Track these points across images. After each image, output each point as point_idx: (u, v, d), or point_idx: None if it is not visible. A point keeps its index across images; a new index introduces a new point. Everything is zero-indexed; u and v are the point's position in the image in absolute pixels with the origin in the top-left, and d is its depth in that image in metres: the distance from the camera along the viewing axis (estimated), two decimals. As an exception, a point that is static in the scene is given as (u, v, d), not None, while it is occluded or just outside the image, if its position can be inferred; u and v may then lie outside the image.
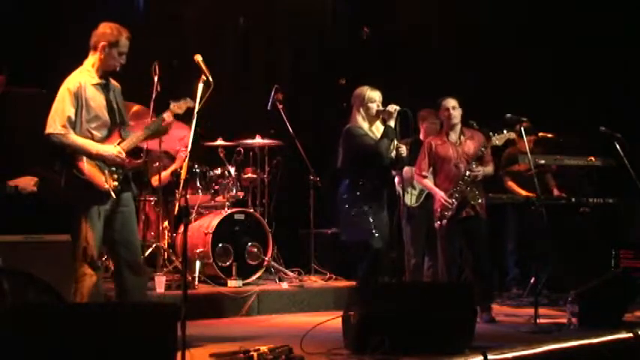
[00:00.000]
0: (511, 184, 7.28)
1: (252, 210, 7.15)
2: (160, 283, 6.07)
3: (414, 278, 6.53)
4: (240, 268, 6.67)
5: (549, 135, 7.14)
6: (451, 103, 5.99)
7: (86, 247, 4.39)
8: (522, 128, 6.00)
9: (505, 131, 5.94)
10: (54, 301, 4.03)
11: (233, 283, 6.51)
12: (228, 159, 7.37)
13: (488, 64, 7.99)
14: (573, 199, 6.93)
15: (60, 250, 4.89)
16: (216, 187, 7.10)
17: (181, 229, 5.23)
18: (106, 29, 4.52)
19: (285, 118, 7.44)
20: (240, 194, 7.26)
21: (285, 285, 6.76)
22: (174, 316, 3.56)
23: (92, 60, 4.56)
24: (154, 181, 6.91)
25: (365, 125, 5.58)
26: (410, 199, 6.58)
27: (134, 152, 4.69)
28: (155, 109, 5.61)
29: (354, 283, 6.12)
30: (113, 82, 4.67)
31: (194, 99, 4.38)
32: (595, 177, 7.06)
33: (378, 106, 5.58)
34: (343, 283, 7.01)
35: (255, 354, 4.15)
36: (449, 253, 5.92)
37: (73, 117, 4.42)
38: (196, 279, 6.49)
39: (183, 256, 4.07)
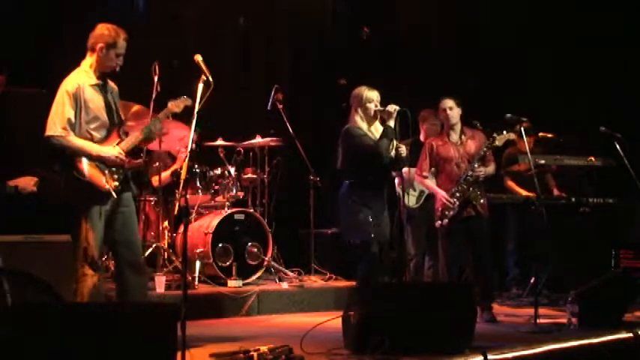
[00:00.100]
0: (511, 183, 7.28)
1: (252, 210, 7.16)
2: (160, 283, 6.07)
3: (414, 279, 6.53)
4: (240, 268, 6.67)
5: (549, 135, 7.14)
6: (448, 103, 6.00)
7: (87, 248, 4.39)
8: (522, 128, 6.00)
9: (505, 131, 5.94)
10: (54, 301, 4.03)
11: (233, 283, 6.51)
12: (228, 159, 7.37)
13: (488, 64, 7.99)
14: (573, 199, 6.93)
15: (60, 250, 4.88)
16: (216, 187, 7.10)
17: (181, 229, 5.24)
18: (103, 30, 4.52)
19: (285, 118, 7.44)
20: (240, 194, 7.26)
21: (285, 285, 6.76)
22: (174, 316, 3.56)
23: (89, 61, 4.56)
24: (154, 181, 6.91)
25: (364, 125, 5.58)
26: (410, 200, 6.58)
27: (134, 152, 4.68)
28: (155, 109, 5.61)
29: (354, 283, 6.13)
30: (110, 83, 4.67)
31: (194, 99, 4.38)
32: (595, 177, 7.06)
33: (376, 106, 5.58)
34: (343, 283, 7.01)
35: (255, 354, 4.16)
36: (450, 252, 5.93)
37: (72, 119, 4.42)
38: (196, 279, 6.49)
39: (183, 256, 4.07)
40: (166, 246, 6.75)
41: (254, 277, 6.77)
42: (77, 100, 4.44)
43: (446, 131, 6.08)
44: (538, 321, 5.49)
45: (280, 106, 7.45)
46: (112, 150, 4.49)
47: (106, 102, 4.57)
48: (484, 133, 6.11)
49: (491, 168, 6.06)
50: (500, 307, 6.57)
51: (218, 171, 7.12)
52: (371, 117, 5.59)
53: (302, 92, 8.79)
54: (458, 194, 5.86)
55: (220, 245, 6.66)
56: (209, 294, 6.29)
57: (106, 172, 4.46)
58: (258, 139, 7.37)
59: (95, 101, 4.51)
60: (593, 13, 7.71)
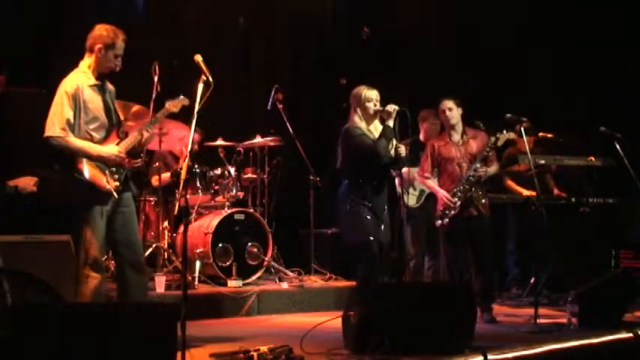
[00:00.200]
0: (511, 183, 7.28)
1: (252, 210, 7.16)
2: (160, 283, 6.07)
3: (414, 279, 6.53)
4: (240, 268, 6.67)
5: (549, 135, 7.13)
6: (447, 104, 6.00)
7: (88, 249, 4.38)
8: (522, 128, 6.00)
9: (505, 131, 5.94)
10: (54, 301, 4.03)
11: (233, 283, 6.51)
12: (228, 159, 7.37)
13: (488, 64, 7.99)
14: (573, 199, 6.93)
15: (60, 250, 4.89)
16: (216, 187, 7.10)
17: (181, 229, 5.24)
18: (102, 31, 4.51)
19: (285, 118, 7.44)
20: (240, 194, 7.26)
21: (285, 285, 6.76)
22: (174, 316, 3.56)
23: (88, 62, 4.55)
24: (154, 181, 6.92)
25: (363, 125, 5.57)
26: (410, 199, 6.58)
27: (133, 152, 4.68)
28: (155, 109, 5.61)
29: (354, 283, 6.12)
30: (108, 84, 4.67)
31: (194, 99, 4.38)
32: (595, 177, 7.06)
33: (375, 105, 5.57)
34: (343, 283, 7.02)
35: (255, 354, 4.15)
36: (451, 252, 5.93)
37: (72, 119, 4.42)
38: (196, 279, 6.49)
39: (183, 256, 4.07)
40: (166, 246, 6.75)
41: (254, 277, 6.77)
42: (76, 100, 4.43)
43: (447, 132, 6.08)
44: (538, 321, 5.49)
45: (280, 106, 7.45)
46: (112, 150, 4.49)
47: (104, 102, 4.57)
48: (487, 133, 6.10)
49: (493, 168, 6.05)
50: (500, 307, 6.57)
51: (218, 171, 7.12)
52: (370, 116, 5.58)
53: (302, 92, 8.79)
54: (459, 194, 5.86)
55: (220, 245, 6.66)
56: (209, 294, 6.29)
57: (107, 172, 4.46)
58: (258, 139, 7.37)
59: (94, 102, 4.51)
60: (593, 13, 7.71)
